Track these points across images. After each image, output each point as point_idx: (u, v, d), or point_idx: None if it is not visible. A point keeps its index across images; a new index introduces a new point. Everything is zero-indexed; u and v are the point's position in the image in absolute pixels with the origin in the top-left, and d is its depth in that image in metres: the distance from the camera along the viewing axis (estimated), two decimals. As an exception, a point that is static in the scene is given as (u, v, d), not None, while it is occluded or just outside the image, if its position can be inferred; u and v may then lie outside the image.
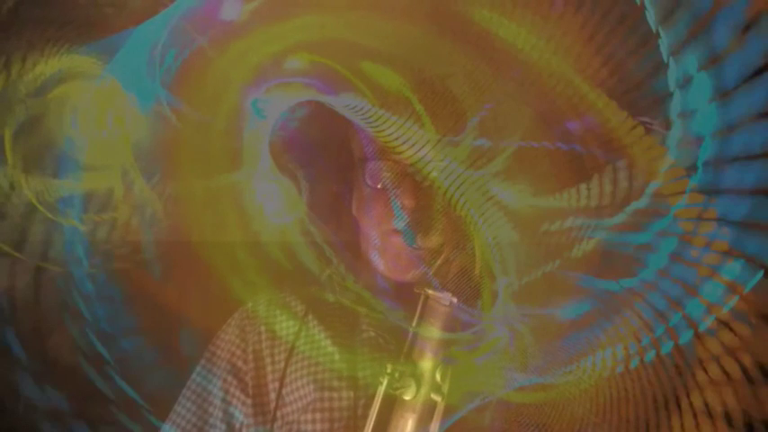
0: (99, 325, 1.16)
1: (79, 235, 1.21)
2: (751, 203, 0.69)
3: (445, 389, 0.84)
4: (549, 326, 0.84)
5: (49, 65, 1.12)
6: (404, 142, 0.87)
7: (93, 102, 1.15)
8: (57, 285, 1.22)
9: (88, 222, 1.22)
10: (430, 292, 0.86)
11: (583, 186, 0.84)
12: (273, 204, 1.09)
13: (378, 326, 1.03)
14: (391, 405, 0.85)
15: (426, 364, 0.85)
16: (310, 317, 1.07)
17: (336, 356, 1.01)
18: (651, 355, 0.76)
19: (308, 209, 1.08)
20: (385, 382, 0.84)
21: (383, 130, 0.88)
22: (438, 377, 0.85)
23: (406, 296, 0.93)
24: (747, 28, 0.65)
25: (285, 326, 1.08)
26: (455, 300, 0.85)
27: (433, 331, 0.85)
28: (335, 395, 0.99)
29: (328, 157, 1.10)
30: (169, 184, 1.23)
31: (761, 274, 0.68)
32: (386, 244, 1.00)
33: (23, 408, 1.20)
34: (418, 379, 0.84)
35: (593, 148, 0.83)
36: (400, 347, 0.92)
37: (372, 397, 0.92)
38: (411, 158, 0.87)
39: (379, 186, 0.98)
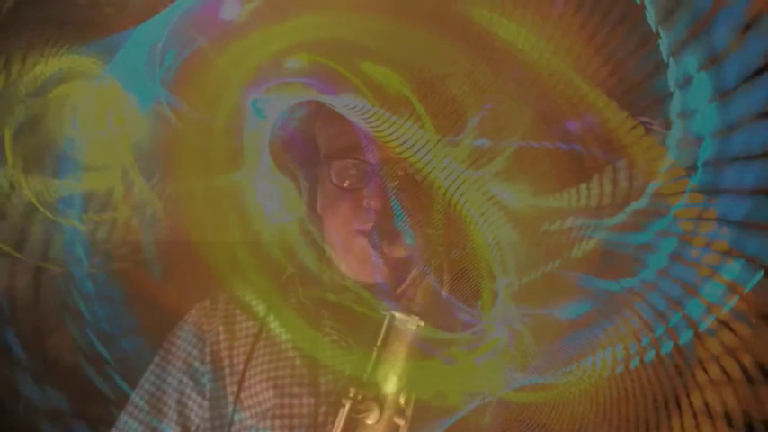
0: (99, 325, 1.16)
1: (79, 235, 1.21)
2: (751, 203, 0.69)
3: (409, 412, 0.82)
4: (549, 326, 0.84)
5: (49, 65, 1.12)
6: (404, 142, 0.87)
7: (93, 102, 1.15)
8: (57, 285, 1.22)
9: (88, 222, 1.22)
10: (396, 314, 0.83)
11: (583, 186, 0.84)
12: (273, 204, 1.09)
13: (341, 329, 1.00)
14: (354, 427, 0.83)
15: (390, 387, 0.82)
16: (271, 318, 1.03)
17: (297, 361, 0.98)
18: (651, 355, 0.76)
19: (308, 209, 1.07)
20: (347, 406, 0.82)
21: (383, 130, 0.88)
22: (402, 401, 0.82)
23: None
24: (747, 28, 0.65)
25: (245, 326, 1.05)
26: (422, 323, 0.82)
27: (399, 354, 0.83)
28: (296, 401, 0.96)
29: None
30: (169, 184, 1.23)
31: (761, 274, 0.68)
32: (350, 245, 0.98)
33: (23, 408, 1.20)
34: (381, 403, 0.82)
35: (593, 148, 0.83)
36: (364, 351, 0.90)
37: (334, 404, 0.91)
38: (411, 159, 0.87)
39: (345, 185, 0.96)
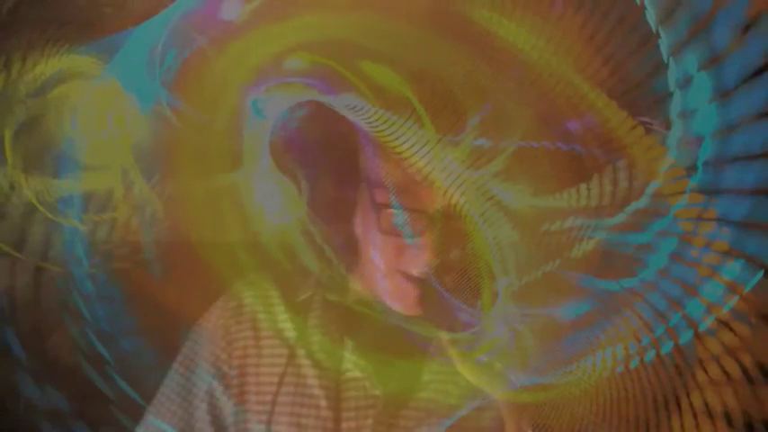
0: (99, 325, 1.16)
1: (79, 235, 1.21)
2: (751, 203, 0.69)
3: None
4: (549, 326, 0.84)
5: (49, 65, 1.12)
6: (404, 142, 0.87)
7: (93, 102, 1.16)
8: (57, 285, 1.22)
9: (88, 222, 1.22)
10: None
11: (583, 186, 0.84)
12: (273, 204, 1.09)
13: (365, 366, 0.97)
14: None
15: None
16: (299, 347, 0.99)
17: (322, 402, 0.95)
18: (651, 355, 0.76)
19: (308, 209, 1.07)
20: None
21: (383, 130, 0.88)
22: None
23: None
24: (747, 28, 0.65)
25: (273, 352, 1.00)
26: None
27: None
28: None
29: (329, 158, 1.10)
30: (169, 184, 1.23)
31: (761, 274, 0.68)
32: (387, 280, 0.95)
33: (23, 408, 1.20)
34: None
35: (593, 148, 0.83)
36: (387, 394, 0.90)
37: None
38: (411, 159, 0.87)
39: (395, 233, 0.91)
